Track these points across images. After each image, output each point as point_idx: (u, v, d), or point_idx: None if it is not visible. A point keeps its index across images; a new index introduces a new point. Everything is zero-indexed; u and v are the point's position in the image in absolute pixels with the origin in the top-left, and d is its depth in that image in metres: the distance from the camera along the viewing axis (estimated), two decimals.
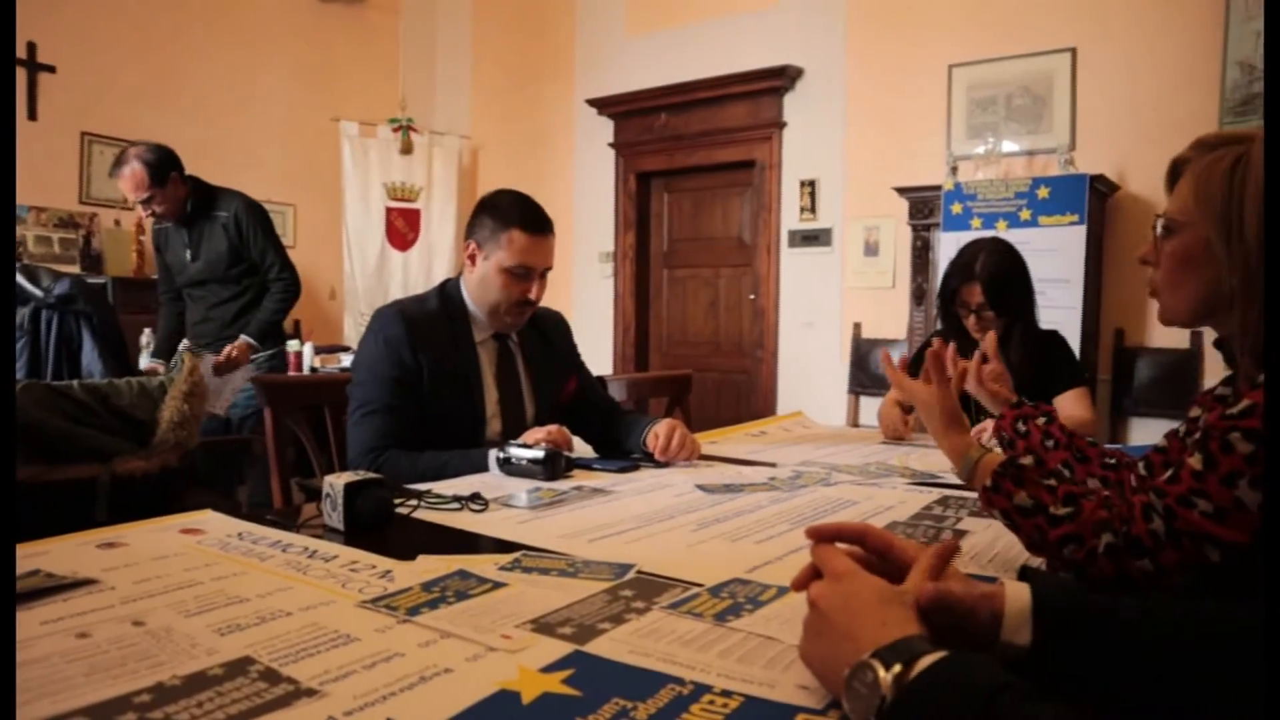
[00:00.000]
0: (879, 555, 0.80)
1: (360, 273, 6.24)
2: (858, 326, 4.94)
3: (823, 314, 5.13)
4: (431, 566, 1.04)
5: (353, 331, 6.01)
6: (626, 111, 5.81)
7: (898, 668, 0.60)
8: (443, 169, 6.46)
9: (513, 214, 1.90)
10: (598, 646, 0.80)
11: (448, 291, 1.99)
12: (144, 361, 3.67)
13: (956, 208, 4.10)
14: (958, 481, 1.69)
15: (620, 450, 2.00)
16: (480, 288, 1.93)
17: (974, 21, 4.53)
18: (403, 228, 6.38)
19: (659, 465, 1.86)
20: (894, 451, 2.18)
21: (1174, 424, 1.23)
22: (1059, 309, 3.69)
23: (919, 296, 4.35)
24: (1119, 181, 4.10)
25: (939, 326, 2.62)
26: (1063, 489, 1.00)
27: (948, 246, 3.87)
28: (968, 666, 0.59)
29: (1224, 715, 0.68)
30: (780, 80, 5.14)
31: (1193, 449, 0.94)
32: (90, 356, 3.10)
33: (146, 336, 4.14)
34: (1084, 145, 4.22)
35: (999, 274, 2.33)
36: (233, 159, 5.44)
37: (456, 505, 1.40)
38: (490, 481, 1.63)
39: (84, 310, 3.15)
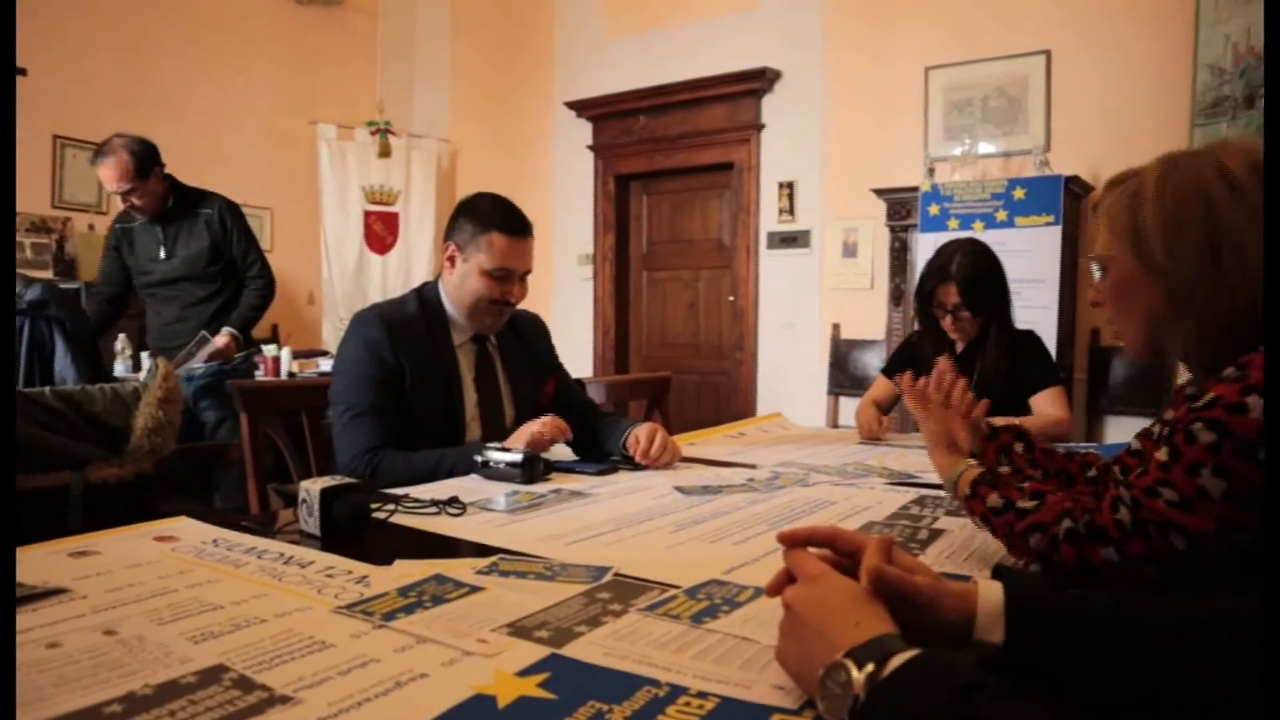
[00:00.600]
0: (850, 557, 0.80)
1: (338, 277, 6.21)
2: (836, 327, 4.96)
3: (802, 315, 5.15)
4: (408, 571, 1.04)
5: (331, 336, 5.98)
6: (605, 114, 5.82)
7: (870, 667, 0.61)
8: (421, 172, 6.44)
9: (492, 216, 1.90)
10: (574, 649, 0.80)
11: (426, 295, 1.99)
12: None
13: (934, 209, 4.13)
14: (934, 481, 1.71)
15: (599, 452, 2.00)
16: (459, 290, 1.93)
17: (950, 24, 4.57)
18: (381, 231, 6.35)
19: (637, 467, 1.86)
20: (872, 452, 2.19)
21: (1148, 422, 1.25)
22: (1035, 309, 3.72)
23: (897, 297, 4.38)
24: (1093, 183, 4.14)
25: (917, 327, 2.64)
26: (1031, 486, 1.06)
27: (925, 247, 3.90)
28: (940, 665, 0.60)
29: (1196, 711, 0.69)
30: (758, 83, 5.16)
31: (1160, 443, 0.96)
32: (63, 363, 3.06)
33: (121, 342, 4.10)
34: (1059, 147, 4.26)
35: (974, 275, 2.35)
36: (209, 162, 5.39)
37: (434, 509, 1.40)
38: (468, 485, 1.63)
39: (57, 316, 3.11)
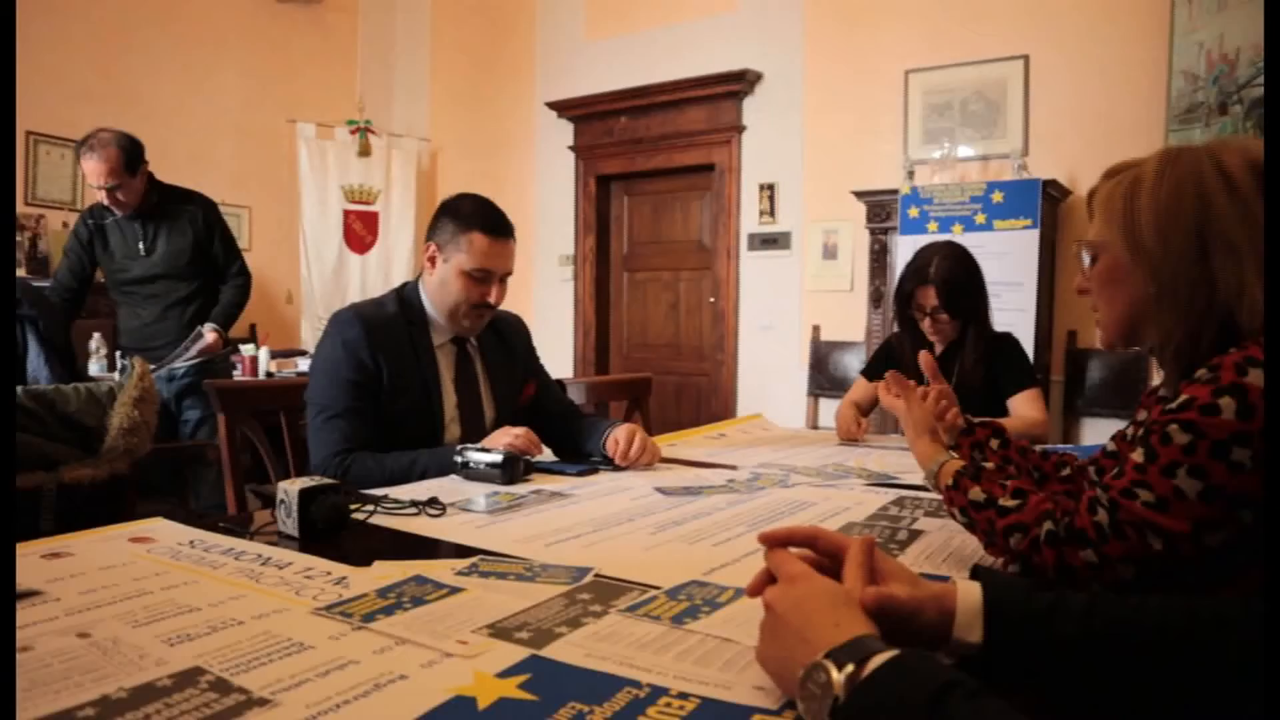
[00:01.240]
0: (830, 557, 0.81)
1: (317, 276, 6.16)
2: (817, 329, 4.98)
3: (782, 317, 5.17)
4: (387, 572, 1.03)
5: (310, 336, 5.94)
6: (586, 115, 5.81)
7: (850, 667, 0.61)
8: (401, 171, 6.41)
9: (474, 217, 1.89)
10: (555, 650, 0.80)
11: (405, 295, 1.98)
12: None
13: (913, 211, 4.16)
14: (914, 482, 1.72)
15: (579, 453, 2.00)
16: (440, 291, 1.92)
17: (930, 28, 4.60)
18: (361, 231, 6.32)
19: (618, 468, 1.86)
20: (851, 453, 2.20)
21: (1124, 423, 1.26)
22: (1013, 311, 3.75)
23: (877, 299, 4.40)
24: (1070, 186, 4.18)
25: (896, 329, 2.66)
26: (1013, 484, 1.06)
27: (905, 249, 3.92)
28: (918, 665, 0.60)
29: (1169, 708, 0.70)
30: (739, 84, 5.17)
31: (1135, 445, 0.97)
32: (36, 363, 3.01)
33: (96, 341, 4.05)
34: (1036, 151, 4.30)
35: (953, 278, 2.36)
36: (186, 160, 5.34)
37: (414, 510, 1.39)
38: (448, 486, 1.62)
39: (29, 315, 3.07)
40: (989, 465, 1.14)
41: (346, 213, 6.26)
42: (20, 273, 4.80)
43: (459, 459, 1.69)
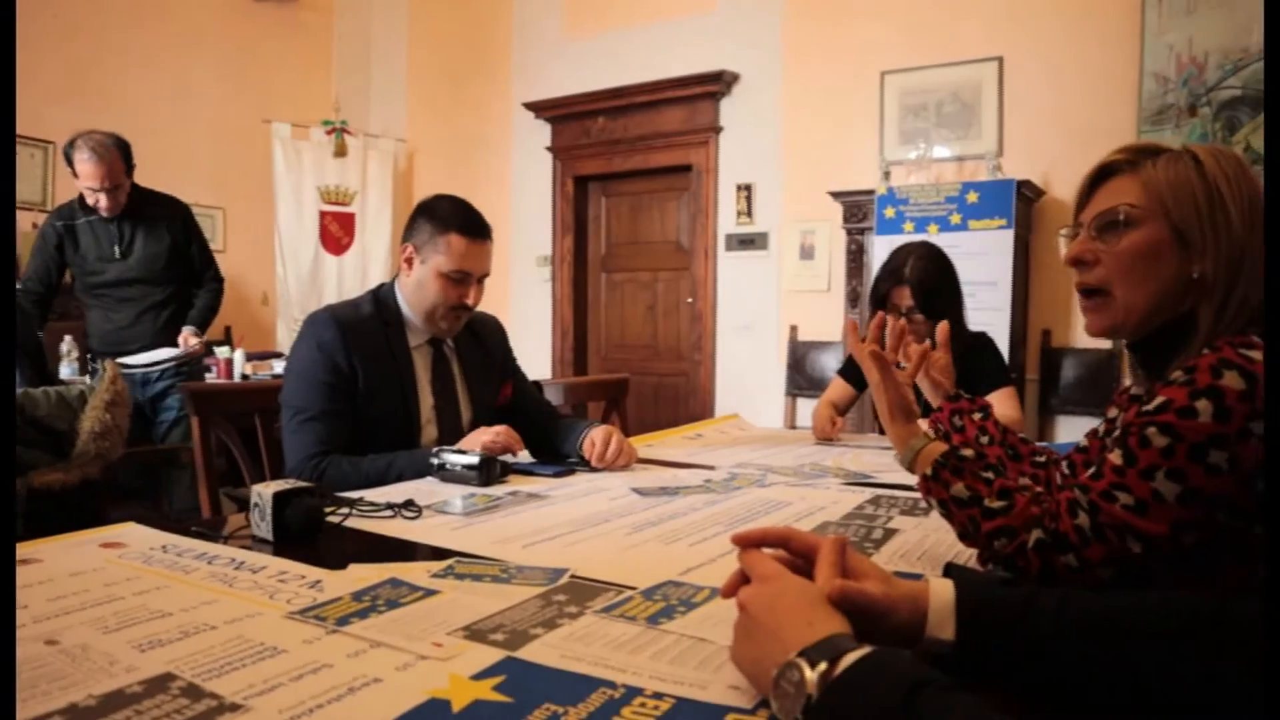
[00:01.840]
0: (804, 557, 0.81)
1: (293, 277, 6.12)
2: (794, 329, 5.00)
3: (760, 317, 5.18)
4: (363, 575, 1.03)
5: (285, 338, 5.89)
6: (564, 115, 5.81)
7: (823, 666, 0.61)
8: (378, 172, 6.37)
9: (452, 219, 1.89)
10: (530, 652, 0.80)
11: (382, 296, 1.97)
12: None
13: (889, 211, 4.18)
14: (889, 481, 1.74)
15: (557, 455, 2.00)
16: (417, 292, 1.91)
17: (905, 30, 4.63)
18: (337, 232, 6.28)
19: (595, 470, 1.86)
20: (828, 452, 2.21)
21: (1098, 422, 1.27)
22: (988, 310, 3.78)
23: (854, 299, 4.42)
24: (1044, 187, 4.22)
25: None
26: (998, 483, 1.04)
27: (881, 249, 3.94)
28: (890, 662, 0.61)
29: (1142, 703, 0.71)
30: (716, 85, 5.19)
31: (1113, 446, 0.98)
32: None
33: (68, 344, 4.00)
34: (1011, 151, 4.34)
35: (927, 278, 2.38)
36: (159, 161, 5.26)
37: (389, 513, 1.38)
38: (424, 488, 1.61)
39: None
40: (968, 452, 1.10)
41: (322, 214, 6.22)
42: None
43: (435, 461, 1.68)
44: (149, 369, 3.33)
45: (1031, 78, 4.32)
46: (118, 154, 3.19)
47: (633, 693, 0.72)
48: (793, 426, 4.66)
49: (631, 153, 5.61)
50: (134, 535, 1.23)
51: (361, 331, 1.87)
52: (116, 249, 3.34)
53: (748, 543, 0.82)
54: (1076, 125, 4.17)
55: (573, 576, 1.04)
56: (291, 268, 6.11)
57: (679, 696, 0.71)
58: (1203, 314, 1.00)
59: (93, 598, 0.94)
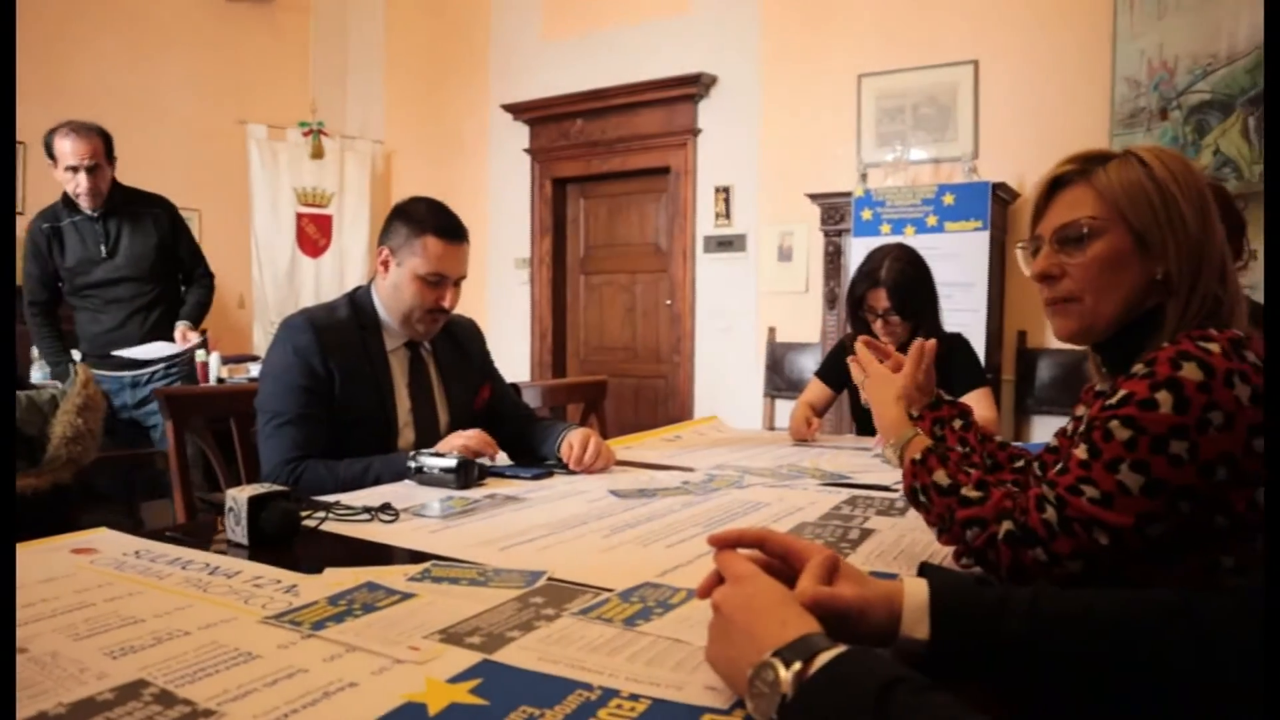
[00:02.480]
0: (779, 558, 0.82)
1: (270, 280, 6.07)
2: (772, 330, 5.02)
3: (738, 318, 5.20)
4: (339, 579, 1.02)
5: (262, 341, 5.84)
6: (542, 117, 5.80)
7: (797, 665, 0.62)
8: (355, 174, 6.34)
9: (428, 221, 1.88)
10: (507, 655, 0.80)
11: (358, 299, 1.96)
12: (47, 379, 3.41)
13: (866, 214, 4.21)
14: (866, 482, 1.75)
15: (535, 457, 2.00)
16: (393, 295, 1.90)
17: (882, 33, 4.66)
18: (314, 234, 6.23)
19: (573, 473, 1.85)
20: (805, 453, 2.22)
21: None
22: (964, 312, 3.81)
23: (831, 300, 4.44)
24: (1019, 189, 4.26)
25: (849, 330, 2.69)
26: (977, 475, 1.06)
27: (858, 251, 3.96)
28: (863, 661, 0.61)
29: (1115, 698, 0.72)
30: (694, 87, 5.20)
31: (1078, 441, 0.99)
32: None
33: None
34: (986, 154, 4.38)
35: (903, 280, 2.39)
36: (132, 162, 5.17)
37: (366, 516, 1.38)
38: (402, 491, 1.61)
39: None
40: (954, 450, 1.13)
41: (299, 216, 6.17)
42: None
43: (413, 464, 1.67)
44: (139, 372, 3.28)
45: (1006, 81, 4.36)
46: (98, 135, 3.17)
47: (609, 694, 0.72)
48: (772, 428, 4.67)
49: (610, 155, 5.61)
50: (106, 541, 1.22)
51: (338, 335, 1.86)
52: (103, 248, 3.27)
53: (723, 544, 0.82)
54: (1051, 128, 4.21)
55: (550, 579, 1.04)
56: (268, 270, 6.07)
57: (655, 698, 0.71)
58: (1169, 311, 1.02)
59: (63, 604, 0.93)
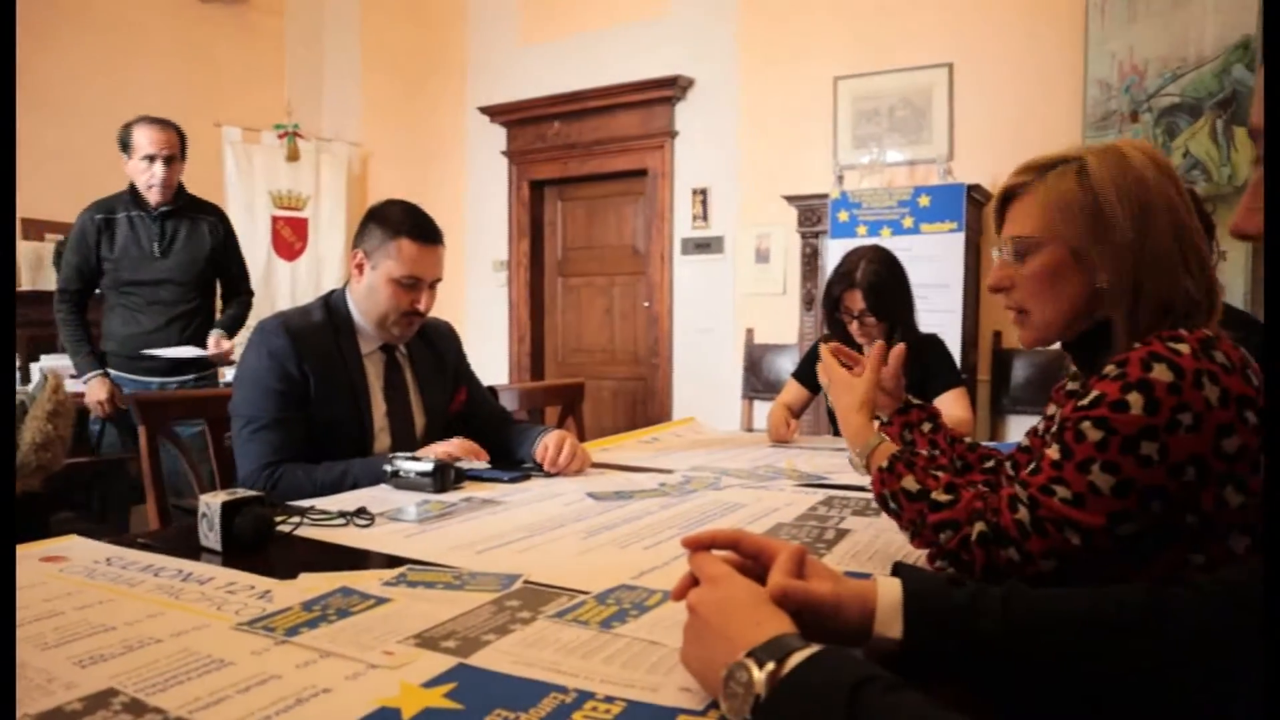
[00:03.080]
0: (753, 558, 0.82)
1: None
2: (750, 332, 5.03)
3: (716, 320, 5.21)
4: (313, 585, 1.02)
5: (237, 345, 5.79)
6: (519, 119, 5.79)
7: (770, 665, 0.62)
8: (331, 177, 6.29)
9: (403, 224, 1.87)
10: (482, 658, 0.80)
11: (332, 302, 1.95)
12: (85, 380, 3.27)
13: (843, 215, 4.23)
14: (842, 483, 1.75)
15: (512, 460, 1.99)
16: (368, 298, 1.89)
17: (858, 36, 4.69)
18: (290, 237, 6.18)
19: (550, 475, 1.85)
20: (782, 454, 2.23)
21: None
22: (940, 313, 3.84)
23: (809, 302, 4.46)
24: (993, 190, 4.30)
25: (826, 331, 2.70)
26: (946, 478, 1.07)
27: (836, 253, 3.98)
28: (836, 661, 0.62)
29: (1086, 696, 0.72)
30: (671, 90, 5.21)
31: (1050, 441, 1.00)
32: None
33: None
34: (961, 156, 4.42)
35: (879, 282, 2.41)
36: (103, 165, 5.13)
37: (342, 521, 1.37)
38: (378, 496, 1.60)
39: None
40: (920, 454, 1.14)
41: (274, 219, 6.12)
42: None
43: (389, 468, 1.67)
44: (168, 379, 3.22)
45: (981, 84, 4.40)
46: (175, 130, 3.22)
47: (584, 697, 0.72)
48: (750, 429, 4.68)
49: (587, 157, 5.61)
50: (76, 548, 1.21)
51: (312, 339, 1.85)
52: (156, 246, 3.20)
53: (697, 546, 0.83)
54: (1025, 130, 4.25)
55: (526, 582, 1.04)
56: None
57: (630, 700, 0.71)
58: (1115, 319, 1.04)
59: (31, 614, 0.92)
